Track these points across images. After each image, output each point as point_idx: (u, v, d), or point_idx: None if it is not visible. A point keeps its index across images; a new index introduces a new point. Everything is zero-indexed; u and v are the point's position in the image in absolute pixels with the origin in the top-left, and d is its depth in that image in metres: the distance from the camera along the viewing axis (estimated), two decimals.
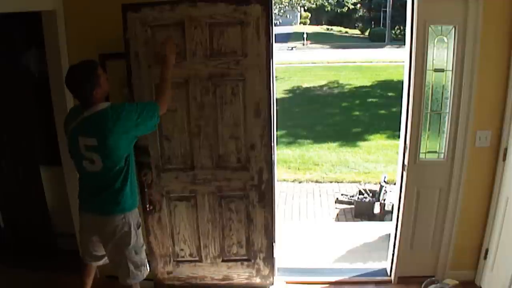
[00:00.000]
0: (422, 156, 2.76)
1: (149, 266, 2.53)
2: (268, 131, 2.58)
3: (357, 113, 10.17)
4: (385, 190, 4.92)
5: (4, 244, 3.46)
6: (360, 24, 26.84)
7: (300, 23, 25.79)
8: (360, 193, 5.18)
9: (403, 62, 2.78)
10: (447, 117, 2.69)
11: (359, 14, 26.66)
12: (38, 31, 2.74)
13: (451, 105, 2.64)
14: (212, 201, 2.73)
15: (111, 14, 2.43)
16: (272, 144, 2.64)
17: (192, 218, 2.78)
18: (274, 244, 2.84)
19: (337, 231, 4.48)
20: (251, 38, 2.43)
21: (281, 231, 3.45)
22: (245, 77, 2.49)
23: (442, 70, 2.63)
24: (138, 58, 2.47)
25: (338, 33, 25.85)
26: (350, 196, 5.24)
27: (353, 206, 5.06)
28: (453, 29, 2.54)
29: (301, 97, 11.66)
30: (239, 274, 2.91)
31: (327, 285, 3.04)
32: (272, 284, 2.94)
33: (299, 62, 15.56)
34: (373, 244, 3.88)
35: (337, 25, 27.15)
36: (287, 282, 3.03)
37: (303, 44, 20.58)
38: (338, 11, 17.74)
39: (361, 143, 8.00)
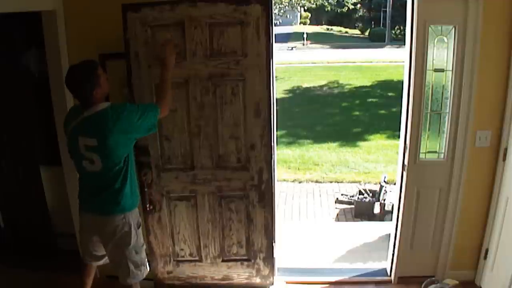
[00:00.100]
0: (422, 156, 2.76)
1: (149, 266, 2.53)
2: (268, 131, 2.58)
3: (357, 113, 10.17)
4: (385, 190, 4.92)
5: (4, 244, 3.46)
6: (360, 24, 26.84)
7: (300, 23, 25.79)
8: (360, 193, 5.18)
9: (403, 62, 2.78)
10: (447, 117, 2.69)
11: (359, 14, 26.64)
12: (38, 31, 2.74)
13: (451, 105, 2.64)
14: (212, 201, 2.73)
15: (111, 14, 2.43)
16: (272, 144, 2.64)
17: (192, 218, 2.78)
18: (274, 244, 2.84)
19: (337, 231, 4.47)
20: (251, 38, 2.43)
21: (281, 231, 3.45)
22: (245, 77, 2.49)
23: (442, 70, 2.63)
24: (138, 58, 2.47)
25: (338, 33, 25.84)
26: (350, 196, 5.24)
27: (353, 206, 5.06)
28: (453, 29, 2.54)
29: (301, 97, 11.65)
30: (239, 274, 2.91)
31: (327, 285, 3.04)
32: (272, 284, 2.94)
33: (299, 62, 15.55)
34: (373, 244, 3.88)
35: (337, 25, 27.15)
36: (287, 282, 3.03)
37: (303, 44, 20.57)
38: (338, 11, 17.71)
39: (361, 143, 8.00)
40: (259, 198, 2.71)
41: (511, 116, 2.57)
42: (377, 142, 7.98)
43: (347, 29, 26.87)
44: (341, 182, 6.22)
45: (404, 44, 2.72)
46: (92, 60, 2.18)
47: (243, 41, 2.44)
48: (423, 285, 2.85)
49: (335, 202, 5.30)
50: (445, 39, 2.59)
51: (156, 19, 2.42)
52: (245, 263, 2.88)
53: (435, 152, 2.79)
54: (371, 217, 4.81)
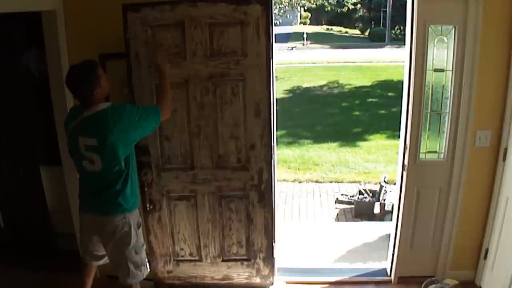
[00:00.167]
0: (422, 156, 2.76)
1: (149, 266, 2.54)
2: (268, 131, 2.58)
3: (357, 113, 10.17)
4: (385, 190, 4.92)
5: (4, 244, 3.46)
6: (360, 24, 26.84)
7: (300, 23, 25.79)
8: (360, 193, 5.18)
9: (403, 62, 2.78)
10: (447, 117, 2.69)
11: (359, 14, 26.63)
12: (38, 31, 2.74)
13: (451, 105, 2.64)
14: (212, 201, 2.73)
15: (111, 14, 2.43)
16: (272, 144, 2.64)
17: (192, 218, 2.78)
18: (274, 244, 2.84)
19: (337, 231, 4.47)
20: (251, 38, 2.43)
21: (281, 231, 3.45)
22: (245, 77, 2.49)
23: (442, 70, 2.63)
24: (139, 58, 2.47)
25: (338, 33, 25.84)
26: (350, 196, 5.24)
27: (353, 206, 5.06)
28: (453, 29, 2.54)
29: (301, 97, 11.65)
30: (239, 274, 2.91)
31: (327, 285, 3.04)
32: (272, 284, 2.94)
33: (299, 62, 15.55)
34: (373, 244, 3.88)
35: (337, 25, 27.15)
36: (287, 282, 3.03)
37: (303, 44, 20.57)
38: (338, 11, 17.73)
39: (361, 143, 8.00)
40: (259, 198, 2.71)
41: (511, 116, 2.57)
42: (377, 142, 7.98)
43: (347, 29, 26.87)
44: (341, 182, 6.22)
45: (404, 44, 2.72)
46: (92, 60, 2.18)
47: (243, 41, 2.44)
48: (423, 285, 2.85)
49: (335, 202, 5.30)
50: (445, 39, 2.59)
51: (156, 19, 2.42)
52: (245, 263, 2.88)
53: (435, 152, 2.79)
54: (371, 217, 4.81)
